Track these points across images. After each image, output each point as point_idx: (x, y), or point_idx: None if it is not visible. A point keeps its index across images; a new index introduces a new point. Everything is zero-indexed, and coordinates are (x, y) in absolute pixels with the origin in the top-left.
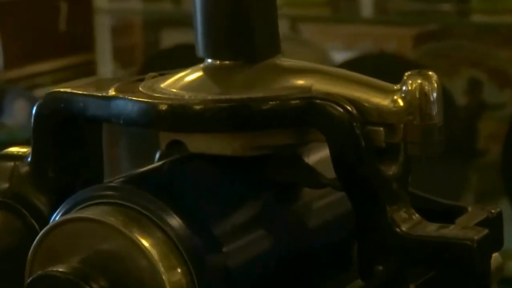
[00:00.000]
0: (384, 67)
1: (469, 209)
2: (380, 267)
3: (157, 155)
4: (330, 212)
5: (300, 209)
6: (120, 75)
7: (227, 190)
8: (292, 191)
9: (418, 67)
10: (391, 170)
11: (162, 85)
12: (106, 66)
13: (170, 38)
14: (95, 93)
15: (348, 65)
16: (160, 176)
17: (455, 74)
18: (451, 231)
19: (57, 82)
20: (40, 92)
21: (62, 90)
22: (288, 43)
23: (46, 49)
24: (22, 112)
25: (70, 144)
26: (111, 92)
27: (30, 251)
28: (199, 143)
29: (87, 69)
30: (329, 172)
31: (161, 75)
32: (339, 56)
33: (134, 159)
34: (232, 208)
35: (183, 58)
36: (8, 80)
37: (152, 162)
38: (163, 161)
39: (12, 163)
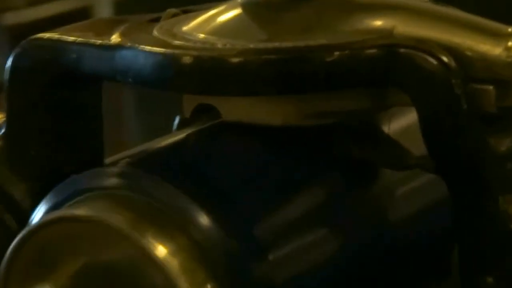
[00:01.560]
0: None
1: None
2: (490, 279)
3: (176, 122)
4: (419, 203)
5: (377, 200)
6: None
7: (275, 175)
8: (365, 175)
9: None
10: (505, 144)
11: (185, 28)
12: None
13: None
14: (93, 40)
15: None
16: (183, 155)
17: None
18: None
19: (34, 3)
20: (11, 18)
21: (47, 36)
22: None
23: None
24: None
25: (58, 111)
26: (116, 39)
27: (4, 261)
28: (236, 109)
29: None
30: (418, 148)
31: (184, 12)
32: None
33: (144, 119)
34: (282, 200)
35: None
36: None
37: (169, 127)
38: (185, 133)
39: None
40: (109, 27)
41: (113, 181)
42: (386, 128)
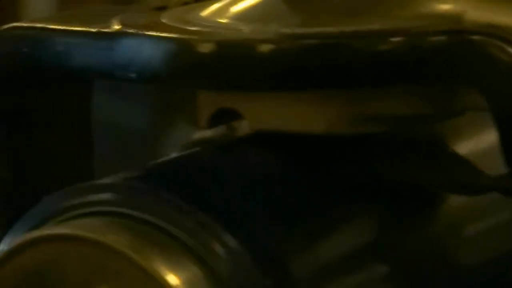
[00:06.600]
0: None
1: None
2: None
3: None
4: (500, 239)
5: (440, 238)
6: None
7: (317, 198)
8: (423, 204)
9: None
10: None
11: (203, 14)
12: None
13: None
14: (87, 28)
15: None
16: (200, 171)
17: None
18: None
19: None
20: None
21: (25, 25)
22: None
23: None
24: None
25: (35, 117)
26: (115, 26)
27: None
28: (266, 114)
29: None
30: (494, 166)
31: (196, 1)
32: None
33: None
34: (324, 229)
35: None
36: None
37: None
38: (202, 148)
39: None
40: (102, 16)
41: (106, 196)
42: (453, 141)
